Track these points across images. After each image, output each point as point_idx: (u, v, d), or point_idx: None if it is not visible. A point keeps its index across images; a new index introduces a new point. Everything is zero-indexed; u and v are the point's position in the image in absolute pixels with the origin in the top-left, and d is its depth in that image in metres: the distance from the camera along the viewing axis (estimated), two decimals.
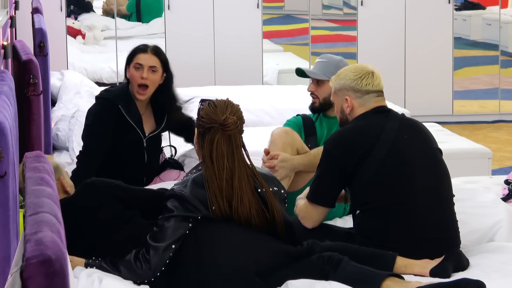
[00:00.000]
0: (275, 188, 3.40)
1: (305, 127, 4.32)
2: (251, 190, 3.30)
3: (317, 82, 4.28)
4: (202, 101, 3.40)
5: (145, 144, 4.55)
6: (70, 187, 3.57)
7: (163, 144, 4.81)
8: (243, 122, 3.37)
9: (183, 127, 4.67)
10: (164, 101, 4.57)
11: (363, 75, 3.62)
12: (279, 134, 4.13)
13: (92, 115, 4.51)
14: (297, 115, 4.43)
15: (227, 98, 3.41)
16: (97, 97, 4.59)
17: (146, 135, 4.56)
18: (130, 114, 4.49)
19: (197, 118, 3.38)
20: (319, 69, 4.27)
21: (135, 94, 4.49)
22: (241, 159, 3.32)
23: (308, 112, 4.41)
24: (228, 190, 3.28)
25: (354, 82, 3.60)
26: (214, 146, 3.29)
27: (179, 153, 4.88)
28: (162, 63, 4.52)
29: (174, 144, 4.84)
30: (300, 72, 4.38)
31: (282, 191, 3.45)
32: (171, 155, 4.80)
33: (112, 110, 4.47)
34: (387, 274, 3.12)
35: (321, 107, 4.29)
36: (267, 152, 4.08)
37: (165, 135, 4.77)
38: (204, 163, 3.31)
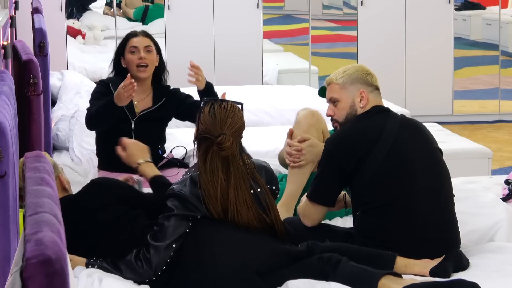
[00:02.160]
0: (273, 187, 3.38)
1: None
2: (249, 199, 3.25)
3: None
4: (205, 100, 3.33)
5: (133, 125, 4.58)
6: (68, 184, 3.57)
7: (172, 145, 4.81)
8: (243, 131, 3.28)
9: (184, 108, 4.69)
10: (165, 89, 4.71)
11: (369, 72, 3.65)
12: (305, 115, 4.12)
13: (92, 92, 4.79)
14: None
15: (229, 104, 3.27)
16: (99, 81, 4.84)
17: (136, 115, 4.61)
18: None
19: (197, 118, 3.33)
20: None
21: (136, 73, 4.60)
22: (237, 169, 3.24)
23: None
24: (224, 201, 3.24)
25: (367, 77, 3.62)
26: (208, 158, 3.23)
27: (189, 151, 4.85)
28: (155, 44, 4.70)
29: (184, 146, 4.85)
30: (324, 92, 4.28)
31: (274, 187, 3.41)
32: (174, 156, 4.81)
33: (106, 88, 4.64)
34: (384, 273, 3.12)
35: None
36: (291, 133, 4.08)
37: (173, 134, 4.77)
38: (199, 169, 3.27)
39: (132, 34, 4.68)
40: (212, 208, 3.24)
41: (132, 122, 4.62)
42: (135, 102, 4.62)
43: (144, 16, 9.36)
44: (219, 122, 3.22)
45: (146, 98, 4.67)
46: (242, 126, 3.27)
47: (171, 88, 4.80)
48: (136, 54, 4.59)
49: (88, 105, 4.78)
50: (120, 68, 4.67)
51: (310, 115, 4.11)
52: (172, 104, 4.70)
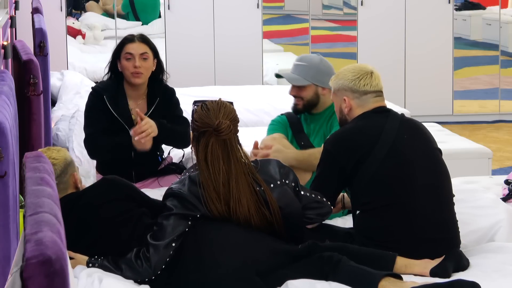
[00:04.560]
0: (278, 182, 3.36)
1: (291, 124, 4.32)
2: (249, 189, 3.28)
3: (299, 86, 4.26)
4: (195, 102, 3.41)
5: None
6: (80, 183, 3.59)
7: (168, 149, 4.77)
8: (238, 122, 3.34)
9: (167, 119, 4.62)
10: (159, 90, 4.60)
11: (361, 76, 3.62)
12: (267, 139, 4.20)
13: (86, 106, 4.65)
14: (281, 114, 4.43)
15: (220, 99, 3.38)
16: (91, 88, 4.72)
17: (134, 125, 4.54)
18: (114, 105, 4.53)
19: (191, 121, 3.37)
20: (300, 73, 4.24)
21: (131, 79, 4.52)
22: (237, 160, 3.28)
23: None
24: (226, 193, 3.26)
25: (352, 83, 3.61)
26: (208, 149, 3.27)
27: (187, 153, 4.81)
28: (152, 49, 4.58)
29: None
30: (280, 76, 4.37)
31: (287, 182, 3.41)
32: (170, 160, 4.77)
33: (100, 99, 4.55)
34: (384, 274, 3.12)
35: (304, 108, 4.28)
36: (256, 144, 4.09)
37: None
38: (200, 166, 3.30)
39: (128, 39, 4.56)
40: (213, 206, 3.24)
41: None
42: (131, 108, 4.57)
43: (133, 8, 9.31)
44: (213, 113, 3.28)
45: (141, 101, 4.61)
46: (236, 116, 3.33)
47: (167, 86, 4.69)
48: (131, 61, 4.49)
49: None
50: (116, 71, 4.61)
51: (271, 139, 4.18)
52: (164, 103, 4.60)
